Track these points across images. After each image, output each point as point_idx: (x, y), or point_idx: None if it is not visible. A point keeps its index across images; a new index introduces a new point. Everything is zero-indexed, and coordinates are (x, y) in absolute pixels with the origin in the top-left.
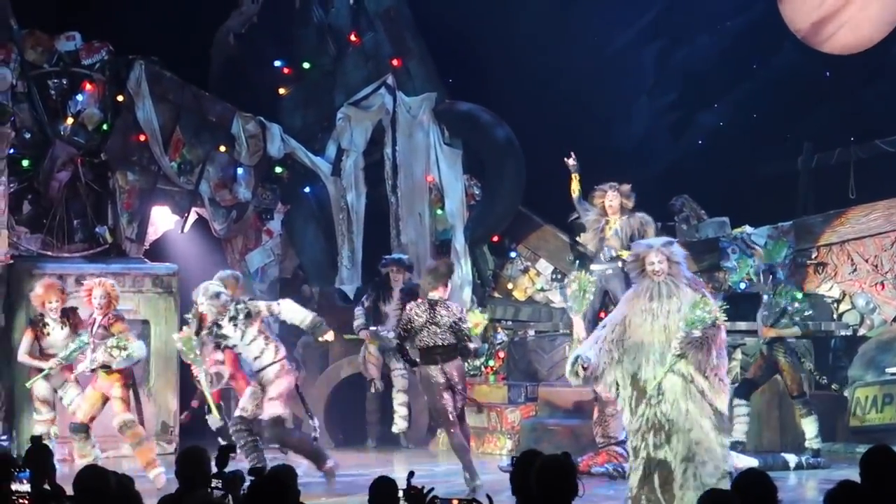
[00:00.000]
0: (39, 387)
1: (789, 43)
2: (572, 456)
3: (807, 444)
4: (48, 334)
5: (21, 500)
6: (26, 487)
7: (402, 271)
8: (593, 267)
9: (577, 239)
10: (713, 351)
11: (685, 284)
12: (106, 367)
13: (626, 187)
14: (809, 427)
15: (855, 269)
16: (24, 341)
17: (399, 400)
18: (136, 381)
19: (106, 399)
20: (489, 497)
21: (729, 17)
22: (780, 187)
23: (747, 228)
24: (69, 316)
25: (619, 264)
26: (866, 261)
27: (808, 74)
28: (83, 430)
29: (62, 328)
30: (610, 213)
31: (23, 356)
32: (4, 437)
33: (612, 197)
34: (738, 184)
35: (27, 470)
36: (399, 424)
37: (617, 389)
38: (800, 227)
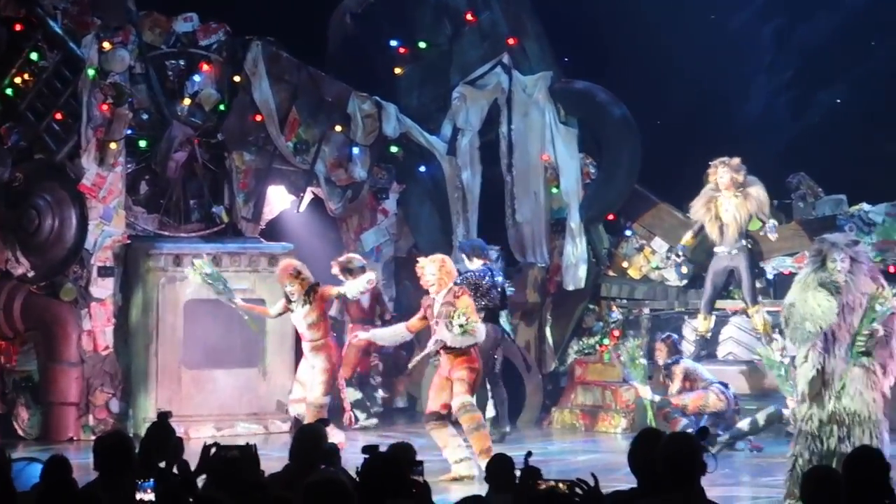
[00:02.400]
0: (301, 366)
1: None
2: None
3: None
4: (292, 311)
5: None
6: (150, 497)
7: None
8: (717, 249)
9: (689, 215)
10: (892, 342)
11: (865, 275)
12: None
13: (736, 161)
14: None
15: None
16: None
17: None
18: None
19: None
20: (594, 476)
21: None
22: None
23: (864, 206)
24: (311, 293)
25: (744, 242)
26: None
27: None
28: (437, 418)
29: (302, 306)
30: (722, 187)
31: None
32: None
33: (722, 172)
34: (855, 161)
35: (150, 480)
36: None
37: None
38: None
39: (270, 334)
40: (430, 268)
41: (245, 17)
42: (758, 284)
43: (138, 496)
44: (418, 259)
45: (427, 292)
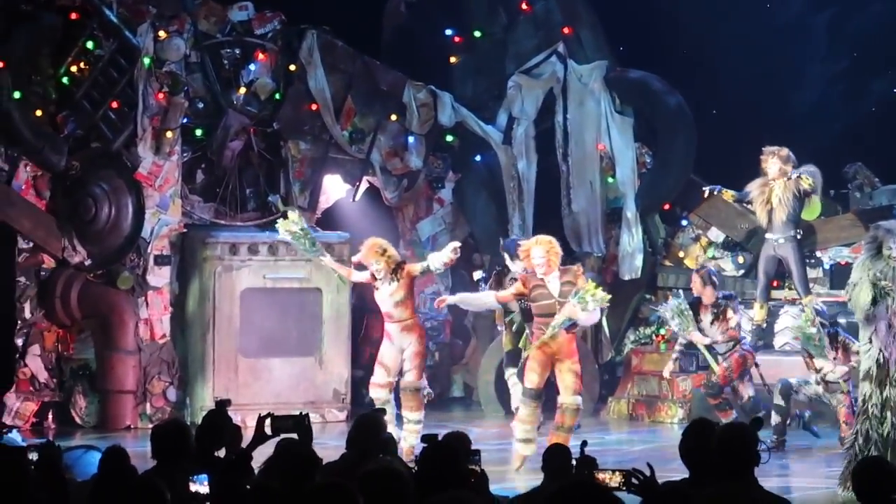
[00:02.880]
0: (385, 349)
1: None
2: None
3: None
4: (377, 288)
5: None
6: (205, 489)
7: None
8: (767, 235)
9: (748, 207)
10: None
11: None
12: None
13: (785, 151)
14: None
15: None
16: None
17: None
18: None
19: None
20: (650, 466)
21: None
22: None
23: None
24: (398, 270)
25: (793, 232)
26: None
27: None
28: (539, 396)
29: (389, 284)
30: (771, 176)
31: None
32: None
33: (771, 163)
34: None
35: (204, 474)
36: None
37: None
38: None
39: (327, 322)
40: (538, 250)
41: (300, 5)
42: (816, 274)
43: (192, 488)
44: (520, 242)
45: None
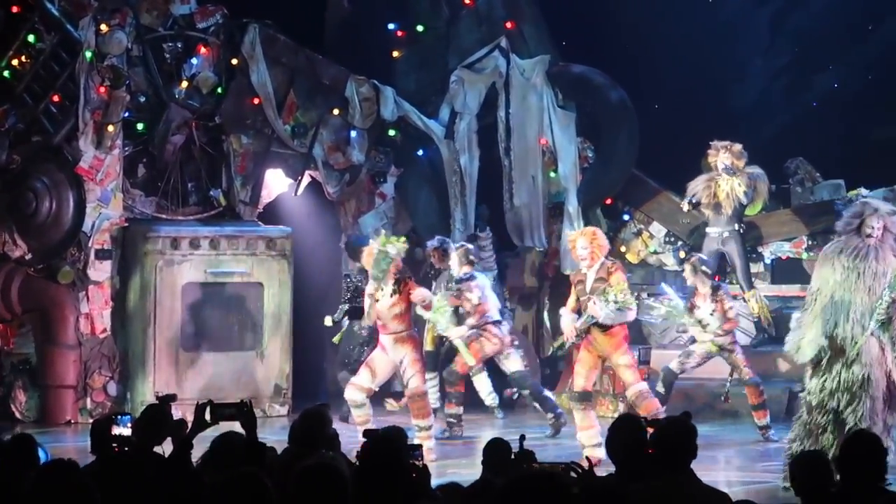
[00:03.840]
0: (378, 355)
1: None
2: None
3: None
4: (377, 299)
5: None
6: (128, 431)
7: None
8: (709, 229)
9: (687, 199)
10: None
11: (891, 252)
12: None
13: (738, 147)
14: None
15: None
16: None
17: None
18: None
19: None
20: (588, 459)
21: None
22: None
23: (862, 191)
24: (401, 283)
25: (736, 226)
26: None
27: None
28: (585, 398)
29: (391, 295)
30: (720, 170)
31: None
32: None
33: (723, 157)
34: (853, 146)
35: (128, 415)
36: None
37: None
38: None
39: (268, 317)
40: (582, 241)
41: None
42: (757, 269)
43: (115, 430)
44: (568, 232)
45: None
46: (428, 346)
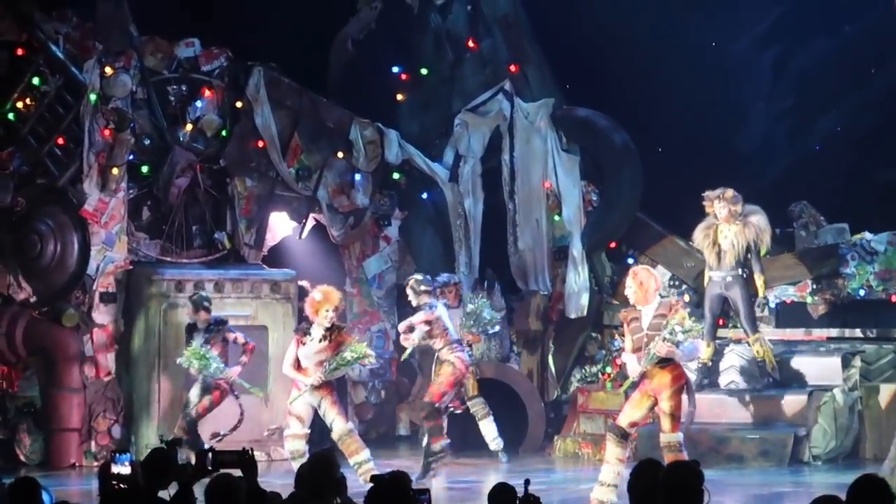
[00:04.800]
0: (295, 401)
1: None
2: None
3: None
4: (305, 344)
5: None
6: (127, 470)
7: (455, 288)
8: (711, 273)
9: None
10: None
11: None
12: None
13: (730, 193)
14: None
15: None
16: (289, 352)
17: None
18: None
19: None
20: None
21: (846, 22)
22: None
23: (867, 235)
24: (334, 333)
25: (740, 271)
26: None
27: None
28: (621, 434)
29: (321, 342)
30: (721, 219)
31: (287, 368)
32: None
33: (719, 207)
34: (857, 189)
35: (127, 453)
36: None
37: None
38: None
39: (273, 360)
40: (628, 279)
41: (247, 42)
42: (761, 313)
43: (115, 469)
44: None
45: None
46: (472, 391)
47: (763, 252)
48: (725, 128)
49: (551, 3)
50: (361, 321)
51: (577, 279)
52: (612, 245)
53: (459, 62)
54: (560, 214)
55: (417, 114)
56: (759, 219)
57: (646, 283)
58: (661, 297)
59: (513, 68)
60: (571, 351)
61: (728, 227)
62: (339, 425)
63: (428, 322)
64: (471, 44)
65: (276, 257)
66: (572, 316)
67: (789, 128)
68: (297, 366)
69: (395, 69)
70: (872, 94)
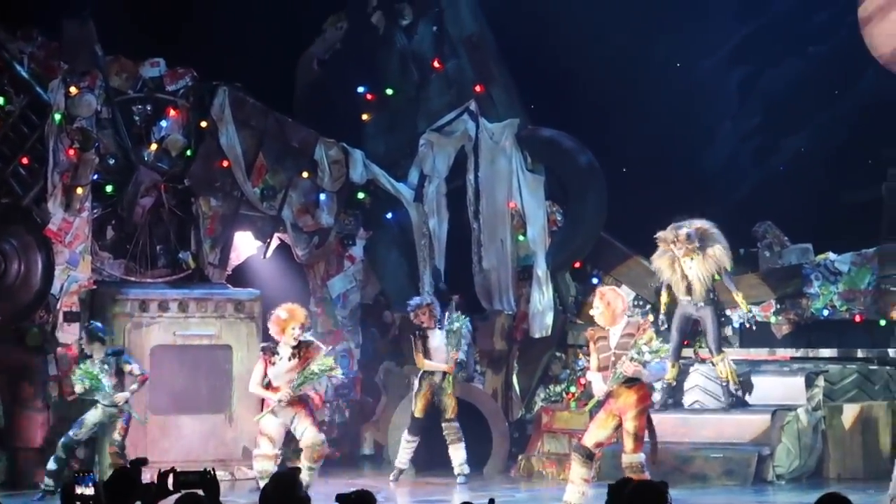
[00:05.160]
0: (267, 421)
1: (872, 69)
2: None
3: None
4: (274, 364)
5: None
6: (91, 491)
7: (429, 308)
8: (682, 298)
9: (659, 284)
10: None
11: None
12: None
13: (682, 233)
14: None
15: None
16: (257, 371)
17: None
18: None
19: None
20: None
21: (812, 43)
22: (864, 213)
23: (830, 255)
24: (302, 349)
25: (711, 295)
26: None
27: (891, 100)
28: (586, 454)
29: (290, 360)
30: (681, 256)
31: (254, 387)
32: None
33: (676, 251)
34: (821, 210)
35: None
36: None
37: None
38: (884, 254)
39: (237, 379)
40: (595, 300)
41: (212, 62)
42: (726, 333)
43: (78, 490)
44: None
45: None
46: (418, 412)
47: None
48: (691, 148)
49: (517, 23)
50: (325, 340)
51: (542, 299)
52: (577, 265)
53: (425, 82)
54: (525, 234)
55: (382, 134)
56: (716, 249)
57: (613, 304)
58: (629, 317)
59: (478, 88)
60: (536, 370)
61: (690, 259)
62: (311, 433)
63: None
64: (436, 64)
65: (240, 277)
66: (536, 335)
67: (755, 148)
68: (267, 385)
69: (361, 89)
70: (837, 115)
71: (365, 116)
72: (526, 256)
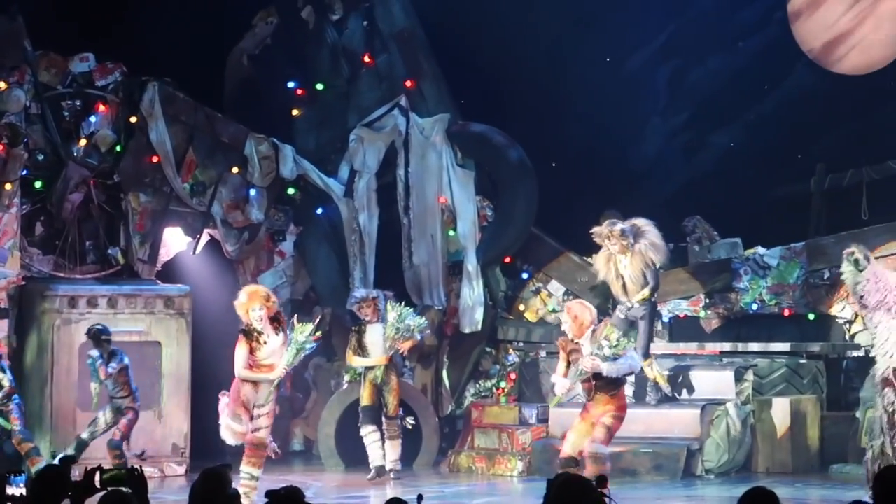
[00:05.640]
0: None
1: (801, 64)
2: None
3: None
4: (265, 343)
5: None
6: (21, 491)
7: (373, 302)
8: (620, 306)
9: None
10: None
11: None
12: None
13: (617, 228)
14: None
15: None
16: (240, 354)
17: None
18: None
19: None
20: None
21: (742, 38)
22: (793, 208)
23: (759, 249)
24: (278, 320)
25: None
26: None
27: (820, 95)
28: (572, 464)
29: (276, 334)
30: (616, 253)
31: (242, 371)
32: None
33: (610, 245)
34: (750, 204)
35: (22, 474)
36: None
37: None
38: (812, 248)
39: (166, 376)
40: (563, 315)
41: (142, 57)
42: (655, 327)
43: (9, 491)
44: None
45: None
46: (366, 401)
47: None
48: (621, 143)
49: (447, 19)
50: None
51: (472, 294)
52: (507, 260)
53: (355, 77)
54: (455, 229)
55: (313, 129)
56: (642, 244)
57: (580, 317)
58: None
59: (408, 84)
60: (466, 366)
61: (625, 257)
62: (264, 433)
63: None
64: (367, 59)
65: (170, 273)
66: (466, 331)
67: (684, 143)
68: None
69: (291, 84)
70: (766, 111)
71: (295, 112)
72: (456, 252)
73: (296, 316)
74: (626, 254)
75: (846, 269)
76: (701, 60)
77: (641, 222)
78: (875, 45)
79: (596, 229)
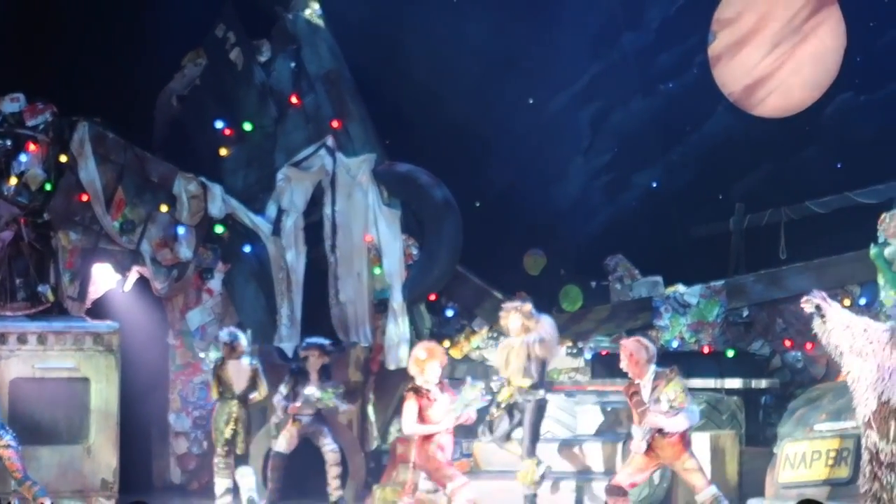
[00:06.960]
0: None
1: (722, 107)
2: None
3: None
4: (435, 400)
5: None
6: None
7: (323, 356)
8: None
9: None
10: None
11: None
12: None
13: (528, 307)
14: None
15: (786, 328)
16: (410, 411)
17: (333, 474)
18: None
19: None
20: None
21: (663, 81)
22: (713, 247)
23: (680, 287)
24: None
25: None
26: (797, 319)
27: (741, 137)
28: (617, 492)
29: (442, 392)
30: (513, 333)
31: (412, 427)
32: None
33: (513, 318)
34: (671, 243)
35: None
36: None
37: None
38: (732, 287)
39: (94, 412)
40: (622, 353)
41: (72, 97)
42: (577, 364)
43: None
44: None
45: None
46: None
47: (577, 303)
48: (544, 183)
49: (373, 60)
50: (184, 373)
51: (397, 331)
52: (432, 297)
53: (283, 118)
54: (381, 267)
55: (241, 168)
56: (532, 337)
57: (636, 355)
58: (657, 368)
59: (335, 124)
60: (391, 401)
61: (519, 340)
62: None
63: None
64: (294, 100)
65: (99, 310)
66: (392, 367)
67: (607, 183)
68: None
69: (219, 124)
70: (688, 152)
71: (223, 151)
72: (382, 289)
73: (469, 378)
74: (520, 335)
75: (815, 323)
76: (623, 102)
77: (545, 318)
78: (794, 88)
79: (506, 304)
